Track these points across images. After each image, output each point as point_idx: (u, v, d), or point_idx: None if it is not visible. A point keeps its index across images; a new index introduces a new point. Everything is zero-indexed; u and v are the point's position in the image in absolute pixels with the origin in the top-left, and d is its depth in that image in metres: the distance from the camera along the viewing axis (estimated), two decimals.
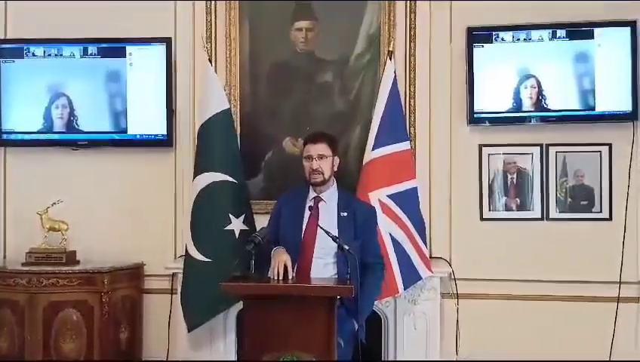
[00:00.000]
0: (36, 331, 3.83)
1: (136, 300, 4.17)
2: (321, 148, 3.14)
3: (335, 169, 3.21)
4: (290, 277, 2.92)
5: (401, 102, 3.87)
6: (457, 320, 4.00)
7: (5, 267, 4.03)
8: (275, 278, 2.89)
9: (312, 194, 3.19)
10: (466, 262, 4.01)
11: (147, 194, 4.23)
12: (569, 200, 4.00)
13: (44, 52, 4.19)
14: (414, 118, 4.03)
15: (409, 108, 4.02)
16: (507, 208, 4.04)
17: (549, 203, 4.00)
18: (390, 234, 3.64)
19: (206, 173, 3.76)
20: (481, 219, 4.05)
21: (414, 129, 4.03)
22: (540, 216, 4.00)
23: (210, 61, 3.98)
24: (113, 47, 4.17)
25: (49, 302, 3.85)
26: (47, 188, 4.20)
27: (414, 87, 4.03)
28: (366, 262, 3.11)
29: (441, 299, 3.92)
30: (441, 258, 4.01)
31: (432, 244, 3.99)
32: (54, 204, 4.07)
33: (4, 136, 4.23)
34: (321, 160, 3.12)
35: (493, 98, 3.96)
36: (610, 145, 3.95)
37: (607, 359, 3.87)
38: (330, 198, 3.18)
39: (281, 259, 2.93)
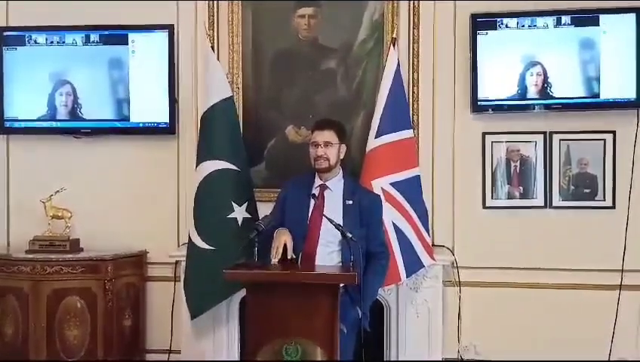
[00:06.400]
0: (40, 318, 3.85)
1: (139, 288, 4.19)
2: (328, 135, 3.14)
3: (342, 157, 3.21)
4: (289, 257, 2.93)
5: (404, 89, 3.86)
6: (459, 308, 4.00)
7: (9, 255, 4.04)
8: (274, 258, 2.89)
9: (317, 181, 3.19)
10: (468, 250, 4.01)
11: (150, 182, 4.23)
12: (572, 188, 3.98)
13: (47, 39, 4.17)
14: (418, 106, 4.01)
15: (412, 95, 4.00)
16: (510, 196, 4.03)
17: (552, 191, 3.99)
18: (393, 223, 3.64)
19: (209, 161, 3.76)
20: (484, 207, 4.04)
21: (418, 117, 4.01)
22: (542, 204, 3.99)
23: (213, 48, 3.97)
24: (115, 35, 4.15)
25: (53, 289, 3.86)
26: (50, 176, 4.20)
27: (418, 74, 4.00)
28: (371, 250, 3.11)
29: (444, 287, 3.92)
30: (443, 246, 4.01)
31: (434, 232, 3.99)
32: (58, 191, 4.07)
33: (8, 124, 4.22)
34: (327, 147, 3.12)
35: (497, 86, 3.93)
36: (614, 132, 3.93)
37: (609, 346, 3.87)
38: (335, 186, 3.19)
39: (281, 240, 2.94)
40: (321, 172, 3.16)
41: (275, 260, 2.93)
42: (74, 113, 4.18)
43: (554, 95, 3.90)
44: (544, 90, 3.90)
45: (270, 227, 3.03)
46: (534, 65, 3.90)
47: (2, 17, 4.32)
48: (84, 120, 4.18)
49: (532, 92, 3.92)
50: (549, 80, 3.90)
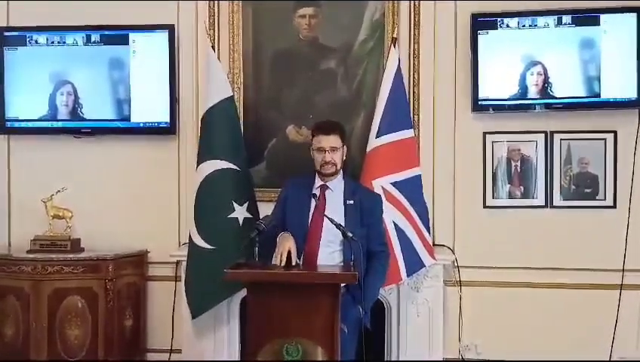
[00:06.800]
0: (41, 318, 3.85)
1: (140, 287, 4.19)
2: (334, 140, 3.14)
3: (344, 158, 3.21)
4: (294, 263, 2.93)
5: (405, 89, 3.86)
6: (460, 308, 4.00)
7: (10, 254, 4.04)
8: (279, 264, 2.90)
9: (318, 182, 3.20)
10: (469, 250, 4.01)
11: (151, 182, 4.24)
12: (573, 187, 3.98)
13: (47, 39, 4.18)
14: (418, 106, 4.01)
15: (413, 95, 4.00)
16: (511, 196, 4.03)
17: (553, 190, 3.99)
18: (393, 222, 3.64)
19: (209, 161, 3.77)
20: (485, 206, 4.04)
21: (418, 116, 4.01)
22: (543, 204, 3.99)
23: (214, 48, 3.97)
24: (116, 35, 4.15)
25: (54, 289, 3.86)
26: (51, 175, 4.20)
27: (418, 74, 4.00)
28: (371, 249, 3.12)
29: (444, 286, 3.93)
30: (444, 245, 4.01)
31: (435, 232, 3.99)
32: (59, 191, 4.07)
33: (8, 124, 4.23)
34: (334, 152, 3.13)
35: (497, 85, 3.93)
36: (615, 132, 3.93)
37: (610, 346, 3.87)
38: (336, 186, 3.19)
39: (285, 246, 2.94)
40: (328, 176, 3.16)
41: (275, 261, 2.93)
42: (75, 113, 4.19)
43: (554, 95, 3.90)
44: (545, 90, 3.90)
45: (271, 226, 3.02)
46: (535, 64, 3.90)
47: (3, 17, 4.32)
48: (85, 120, 4.19)
49: (533, 91, 3.92)
50: (549, 79, 3.89)
